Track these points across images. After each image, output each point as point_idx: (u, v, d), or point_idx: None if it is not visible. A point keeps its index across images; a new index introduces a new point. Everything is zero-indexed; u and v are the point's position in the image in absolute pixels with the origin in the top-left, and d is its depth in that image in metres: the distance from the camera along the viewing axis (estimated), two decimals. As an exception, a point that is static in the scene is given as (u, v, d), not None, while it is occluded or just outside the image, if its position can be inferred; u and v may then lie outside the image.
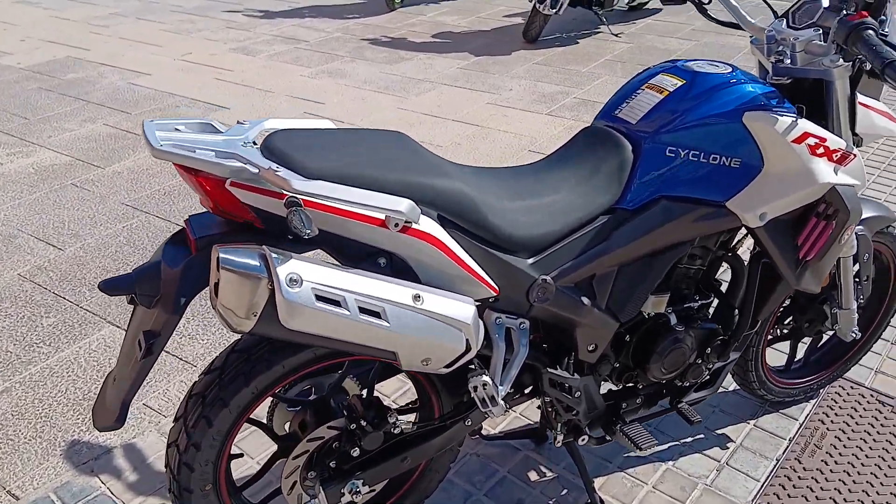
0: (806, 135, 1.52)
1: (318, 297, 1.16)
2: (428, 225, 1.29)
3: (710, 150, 1.49)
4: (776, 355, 2.37)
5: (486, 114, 4.64)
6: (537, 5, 5.76)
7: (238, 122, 1.32)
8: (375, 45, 6.09)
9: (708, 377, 1.86)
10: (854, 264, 1.92)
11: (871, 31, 1.37)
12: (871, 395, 2.31)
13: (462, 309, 1.28)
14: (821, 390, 2.30)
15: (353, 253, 1.28)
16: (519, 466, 2.05)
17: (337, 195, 1.18)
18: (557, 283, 1.47)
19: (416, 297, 1.24)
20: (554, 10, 5.76)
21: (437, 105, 4.78)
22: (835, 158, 1.57)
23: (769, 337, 2.08)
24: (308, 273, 1.16)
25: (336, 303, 1.17)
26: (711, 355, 1.77)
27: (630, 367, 1.72)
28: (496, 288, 1.40)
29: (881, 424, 2.19)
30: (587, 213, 1.47)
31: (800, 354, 2.29)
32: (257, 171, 1.17)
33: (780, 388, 2.18)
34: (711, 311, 1.82)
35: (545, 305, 1.47)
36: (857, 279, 1.98)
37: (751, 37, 1.71)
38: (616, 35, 6.30)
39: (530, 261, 1.44)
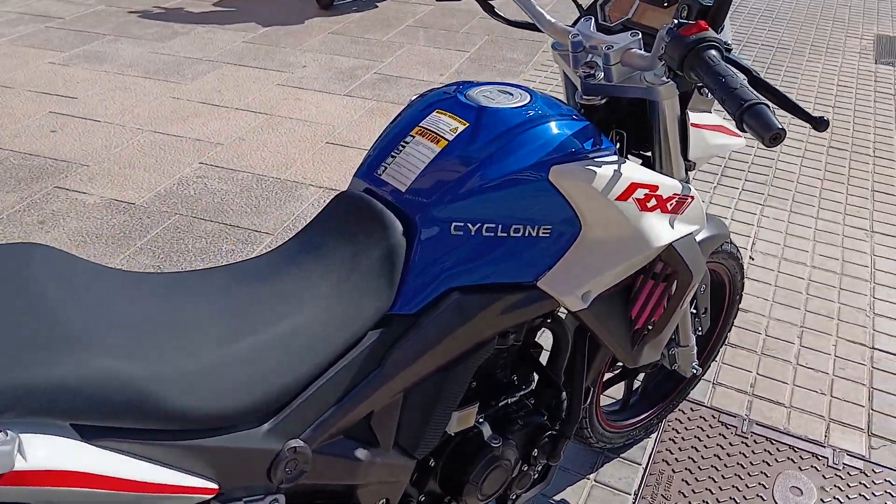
0: (633, 187, 1.14)
1: None
2: (46, 457, 0.77)
3: (511, 220, 1.08)
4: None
5: (275, 98, 4.05)
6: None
7: None
8: (145, 19, 5.26)
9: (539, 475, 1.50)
10: (690, 296, 1.62)
11: (714, 52, 1.00)
12: (714, 416, 2.07)
13: None
14: (661, 423, 2.03)
15: None
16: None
17: None
18: (315, 444, 1.01)
19: None
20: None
21: (218, 90, 4.13)
22: (670, 208, 1.21)
23: (602, 381, 1.75)
24: None
25: None
26: (540, 456, 1.40)
27: (440, 495, 1.31)
28: (212, 487, 0.92)
29: (727, 454, 1.96)
30: (348, 333, 1.01)
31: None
32: None
33: (618, 433, 1.88)
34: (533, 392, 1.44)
35: (301, 480, 1.02)
36: (693, 312, 1.69)
37: (553, 41, 1.32)
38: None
39: (265, 427, 0.96)
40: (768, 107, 0.91)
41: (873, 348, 2.35)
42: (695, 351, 1.70)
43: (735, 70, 1.04)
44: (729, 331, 1.98)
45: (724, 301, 1.89)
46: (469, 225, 1.05)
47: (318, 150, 3.49)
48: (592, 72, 1.20)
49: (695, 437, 2.00)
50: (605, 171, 1.11)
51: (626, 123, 1.34)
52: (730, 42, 1.27)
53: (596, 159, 1.11)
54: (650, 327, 1.32)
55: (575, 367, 1.38)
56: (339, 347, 1.00)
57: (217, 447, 0.90)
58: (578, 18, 1.32)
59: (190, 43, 4.83)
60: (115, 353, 0.83)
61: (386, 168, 1.12)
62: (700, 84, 1.01)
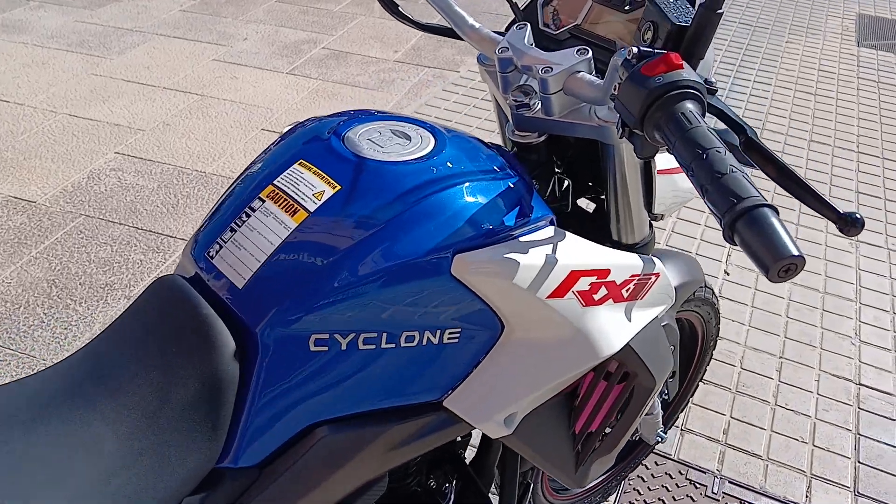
0: (574, 277, 0.83)
1: None
2: None
3: (400, 327, 0.77)
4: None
5: (210, 76, 3.67)
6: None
7: None
8: (75, -17, 4.80)
9: None
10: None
11: (691, 106, 0.67)
12: (681, 473, 1.80)
13: None
14: (621, 484, 1.76)
15: None
16: None
17: None
18: None
19: None
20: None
21: (146, 66, 3.73)
22: (626, 295, 0.90)
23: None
24: None
25: None
26: None
27: None
28: None
29: (696, 521, 1.69)
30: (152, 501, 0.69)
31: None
32: None
33: (569, 503, 1.60)
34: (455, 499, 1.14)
35: None
36: (660, 375, 1.40)
37: (478, 53, 1.00)
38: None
39: None
40: (776, 212, 0.59)
41: (859, 384, 2.09)
42: (660, 418, 1.42)
43: (726, 130, 0.73)
44: (700, 381, 1.70)
45: (696, 351, 1.61)
46: (338, 337, 0.74)
47: (252, 139, 3.13)
48: (526, 100, 0.89)
49: (659, 498, 1.73)
50: (533, 259, 0.79)
51: (576, 163, 1.02)
52: (712, 77, 0.95)
53: (521, 240, 0.80)
54: (600, 441, 1.03)
55: (507, 475, 1.08)
56: None
57: None
58: (512, 23, 1.00)
59: (122, 11, 4.40)
60: None
61: (221, 248, 0.79)
62: (671, 152, 0.68)
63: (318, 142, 0.82)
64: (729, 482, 1.78)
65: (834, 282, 2.49)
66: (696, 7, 0.75)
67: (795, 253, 0.56)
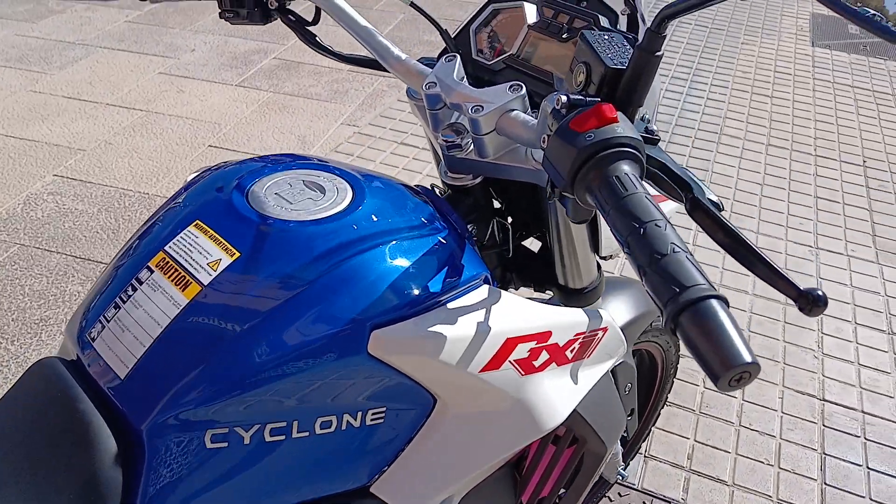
0: (510, 345, 0.75)
1: None
2: None
3: (313, 413, 0.68)
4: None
5: (155, 90, 3.54)
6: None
7: None
8: (15, -7, 4.62)
9: None
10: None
11: (627, 169, 0.59)
12: (645, 503, 1.74)
13: None
14: (583, 518, 1.69)
15: None
16: None
17: None
18: None
19: None
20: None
21: (89, 82, 3.58)
22: (570, 356, 0.83)
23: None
24: None
25: None
26: None
27: None
28: None
29: (661, 555, 1.63)
30: None
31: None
32: None
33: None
34: None
35: None
36: (618, 414, 1.33)
37: (407, 87, 0.92)
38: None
39: None
40: (727, 304, 0.52)
41: (824, 400, 2.05)
42: (620, 457, 1.35)
43: (668, 197, 0.66)
44: (661, 409, 1.64)
45: (655, 380, 1.55)
46: (239, 431, 0.65)
47: (198, 156, 3.02)
48: (458, 140, 0.80)
49: (622, 533, 1.67)
50: (463, 330, 0.71)
51: (517, 201, 0.95)
52: (655, 119, 0.88)
53: (449, 307, 0.71)
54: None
55: None
56: None
57: None
58: (442, 52, 0.92)
59: (64, 23, 4.24)
60: None
61: (103, 328, 0.69)
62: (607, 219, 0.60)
63: (217, 199, 0.73)
64: (694, 511, 1.73)
65: (795, 292, 2.45)
66: (633, 48, 0.68)
67: (748, 360, 0.48)
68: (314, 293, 0.67)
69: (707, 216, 0.62)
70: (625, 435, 1.37)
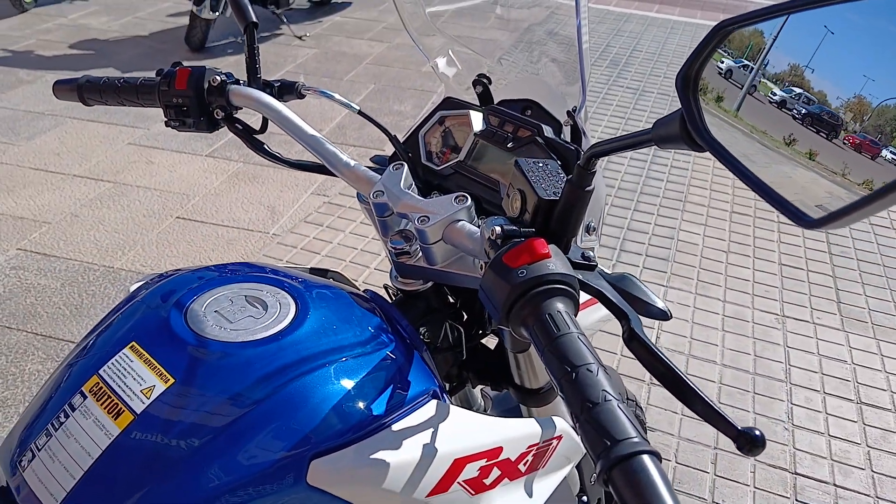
0: (458, 466, 0.73)
1: None
2: None
3: None
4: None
5: (124, 160, 3.53)
6: (194, 9, 4.69)
7: None
8: (-15, 64, 4.63)
9: None
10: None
11: (560, 306, 0.59)
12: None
13: None
14: None
15: None
16: None
17: None
18: None
19: None
20: (216, 13, 4.74)
21: (56, 153, 3.57)
22: (524, 469, 0.81)
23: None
24: None
25: None
26: None
27: None
28: None
29: None
30: None
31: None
32: None
33: None
34: None
35: None
36: (584, 501, 1.31)
37: (357, 191, 0.93)
38: (300, 37, 5.42)
39: None
40: (659, 458, 0.50)
41: (796, 474, 2.04)
42: (589, 545, 1.32)
43: (601, 330, 0.66)
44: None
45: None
46: None
47: (166, 228, 2.99)
48: (407, 247, 0.81)
49: None
50: (408, 455, 0.69)
51: (471, 303, 0.95)
52: (600, 226, 0.90)
53: (394, 429, 0.70)
54: None
55: None
56: None
57: None
58: (392, 157, 0.94)
59: (34, 94, 4.24)
60: None
61: (34, 457, 0.66)
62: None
63: (155, 318, 0.71)
64: None
65: (763, 361, 2.47)
66: (565, 179, 0.69)
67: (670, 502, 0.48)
68: (251, 421, 0.65)
69: (643, 348, 0.62)
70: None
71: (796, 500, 1.96)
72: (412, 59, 5.10)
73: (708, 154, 0.60)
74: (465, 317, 0.97)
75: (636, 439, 0.51)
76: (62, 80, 1.10)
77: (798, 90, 0.57)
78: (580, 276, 0.65)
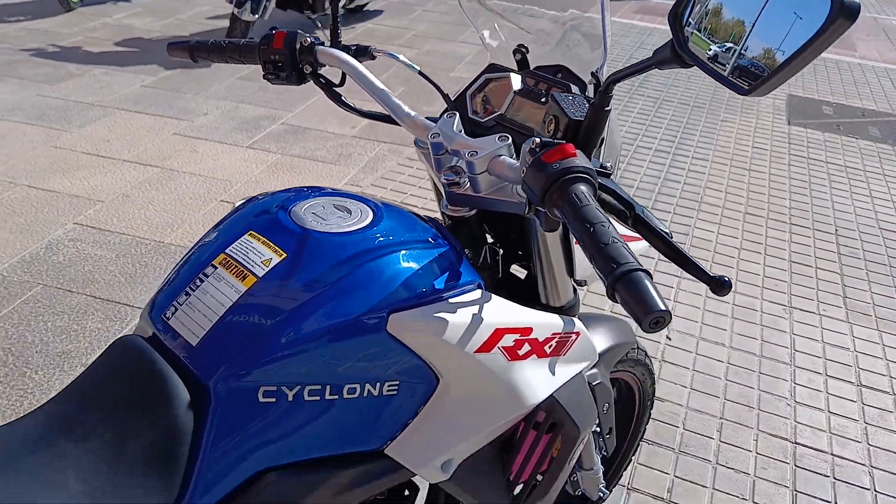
0: (498, 334, 0.92)
1: None
2: None
3: (343, 380, 0.85)
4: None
5: (170, 149, 3.75)
6: (235, 11, 4.93)
7: None
8: (38, 58, 4.88)
9: None
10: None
11: (584, 188, 0.78)
12: (627, 531, 1.86)
13: None
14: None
15: None
16: None
17: None
18: None
19: None
20: (256, 16, 4.98)
21: (107, 140, 3.80)
22: (548, 351, 1.00)
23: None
24: None
25: None
26: None
27: None
28: None
29: (642, 578, 1.75)
30: None
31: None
32: None
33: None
34: None
35: None
36: (597, 432, 1.48)
37: (415, 137, 1.11)
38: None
39: None
40: (650, 275, 0.70)
41: (796, 443, 2.19)
42: (600, 473, 1.49)
43: (615, 208, 0.84)
44: (640, 440, 1.78)
45: (633, 411, 1.70)
46: (284, 389, 0.81)
47: (210, 210, 3.20)
48: (457, 179, 0.99)
49: (606, 557, 1.79)
50: (461, 318, 0.89)
51: (506, 234, 1.13)
52: (616, 160, 1.08)
53: (450, 301, 0.89)
54: (534, 486, 1.10)
55: None
56: None
57: None
58: (444, 112, 1.12)
59: (83, 86, 4.49)
60: None
61: (176, 310, 0.86)
62: (568, 227, 0.80)
63: (267, 215, 0.91)
64: (673, 539, 1.85)
65: (770, 346, 2.62)
66: (589, 106, 0.89)
67: (662, 308, 0.67)
68: (344, 285, 0.84)
69: (646, 227, 0.81)
70: (604, 454, 1.51)
71: (795, 465, 2.12)
72: (441, 65, 5.31)
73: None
74: (501, 249, 1.15)
75: (633, 263, 0.70)
76: (174, 42, 1.33)
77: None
78: (599, 180, 0.84)
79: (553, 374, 1.00)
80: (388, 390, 0.86)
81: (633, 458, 1.82)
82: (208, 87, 4.60)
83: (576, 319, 1.04)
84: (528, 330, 0.95)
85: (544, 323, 0.98)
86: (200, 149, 3.78)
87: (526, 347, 0.95)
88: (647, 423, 1.75)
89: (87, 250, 2.83)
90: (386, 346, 0.85)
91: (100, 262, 2.76)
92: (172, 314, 0.86)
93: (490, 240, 1.13)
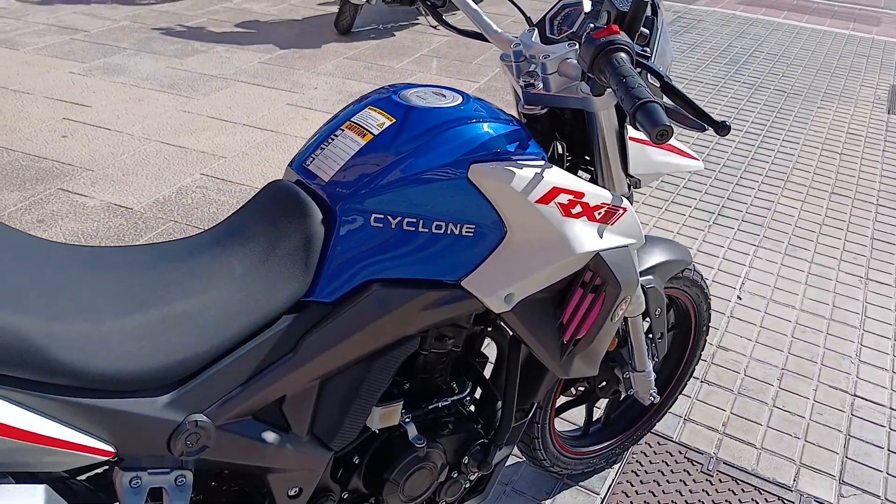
0: (555, 191, 1.15)
1: None
2: None
3: (432, 217, 1.09)
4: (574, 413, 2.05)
5: (283, 117, 4.11)
6: (346, -6, 5.28)
7: None
8: (167, 36, 5.38)
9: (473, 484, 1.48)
10: (645, 319, 1.60)
11: (622, 55, 1.01)
12: (680, 452, 2.03)
13: None
14: (624, 453, 2.00)
15: None
16: None
17: None
18: (219, 421, 1.01)
19: None
20: (365, 0, 5.31)
21: (228, 107, 4.20)
22: (598, 217, 1.21)
23: (557, 405, 1.74)
24: None
25: None
26: (470, 464, 1.39)
27: (364, 494, 1.30)
28: (107, 450, 0.92)
29: (690, 490, 1.92)
30: (260, 315, 1.02)
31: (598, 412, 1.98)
32: None
33: (576, 459, 1.85)
34: (472, 402, 1.43)
35: (205, 455, 1.02)
36: (650, 336, 1.67)
37: (501, 53, 1.33)
38: (435, 27, 5.91)
39: (167, 397, 0.97)
40: (663, 107, 0.93)
41: (854, 395, 2.30)
42: (652, 378, 1.67)
43: (647, 73, 1.05)
44: (697, 363, 1.95)
45: (690, 331, 1.87)
46: (389, 217, 1.07)
47: (318, 169, 3.52)
48: (533, 81, 1.22)
49: (658, 471, 1.97)
50: (526, 173, 1.12)
51: (570, 135, 1.34)
52: (668, 60, 1.28)
53: (518, 161, 1.12)
54: (581, 338, 1.31)
55: (508, 376, 1.37)
56: (250, 328, 1.01)
57: (113, 409, 0.92)
58: (525, 30, 1.34)
59: (207, 61, 4.93)
60: (16, 308, 0.85)
61: (314, 159, 1.14)
62: (609, 87, 1.02)
63: (383, 96, 1.19)
64: (724, 462, 2.01)
65: (841, 311, 2.71)
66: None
67: (666, 123, 0.90)
68: (437, 142, 1.10)
69: (671, 91, 1.02)
70: (656, 359, 1.68)
71: (852, 413, 2.22)
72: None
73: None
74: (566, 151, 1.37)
75: (650, 96, 0.93)
76: None
77: None
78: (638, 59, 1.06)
79: (601, 237, 1.22)
80: (467, 231, 1.10)
81: (688, 380, 1.98)
82: (318, 65, 4.96)
83: (624, 198, 1.25)
84: (581, 194, 1.18)
85: (596, 193, 1.20)
86: (310, 117, 4.13)
87: (578, 208, 1.17)
88: (703, 347, 1.91)
89: (211, 196, 3.20)
90: (466, 191, 1.09)
91: (222, 206, 3.11)
92: (311, 162, 1.14)
93: (557, 137, 1.36)
